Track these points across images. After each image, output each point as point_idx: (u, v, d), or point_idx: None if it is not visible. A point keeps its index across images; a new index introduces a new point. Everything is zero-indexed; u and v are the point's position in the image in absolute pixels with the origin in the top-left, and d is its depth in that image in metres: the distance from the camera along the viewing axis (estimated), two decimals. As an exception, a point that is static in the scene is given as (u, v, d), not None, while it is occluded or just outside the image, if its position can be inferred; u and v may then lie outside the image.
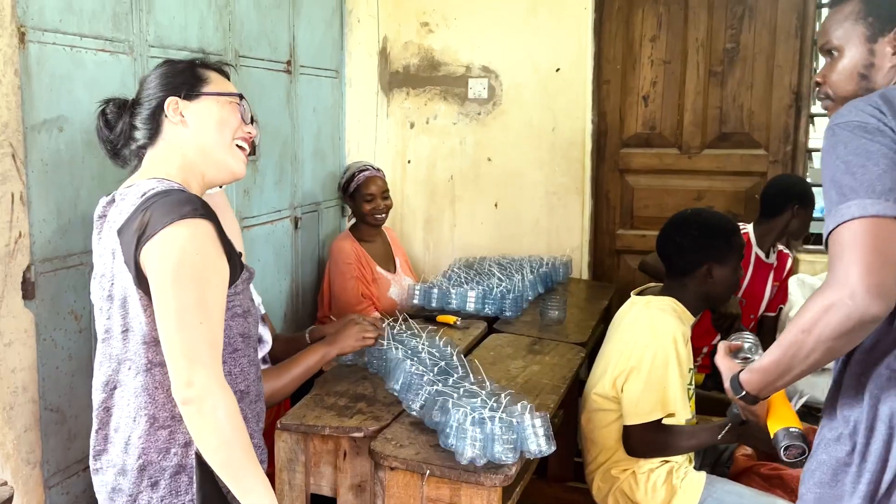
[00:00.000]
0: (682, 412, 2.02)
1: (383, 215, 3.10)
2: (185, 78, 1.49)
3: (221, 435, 1.28)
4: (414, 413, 1.85)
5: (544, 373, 2.23)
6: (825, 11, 3.34)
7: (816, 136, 3.44)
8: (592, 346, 2.75)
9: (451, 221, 3.70)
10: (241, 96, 1.53)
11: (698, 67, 3.45)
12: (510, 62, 3.52)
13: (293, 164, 3.10)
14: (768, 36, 3.36)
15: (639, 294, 2.24)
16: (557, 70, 3.47)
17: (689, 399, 2.09)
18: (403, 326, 2.35)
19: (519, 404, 1.72)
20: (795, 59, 3.33)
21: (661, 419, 2.02)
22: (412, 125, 3.66)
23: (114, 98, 1.55)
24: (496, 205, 3.62)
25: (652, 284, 2.36)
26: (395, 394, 1.96)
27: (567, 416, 2.67)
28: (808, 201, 2.89)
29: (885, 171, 1.17)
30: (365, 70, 3.65)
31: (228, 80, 1.57)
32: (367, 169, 3.13)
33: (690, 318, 2.15)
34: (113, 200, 1.44)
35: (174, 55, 2.31)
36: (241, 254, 1.49)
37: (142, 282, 1.32)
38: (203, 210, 1.34)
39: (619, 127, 3.59)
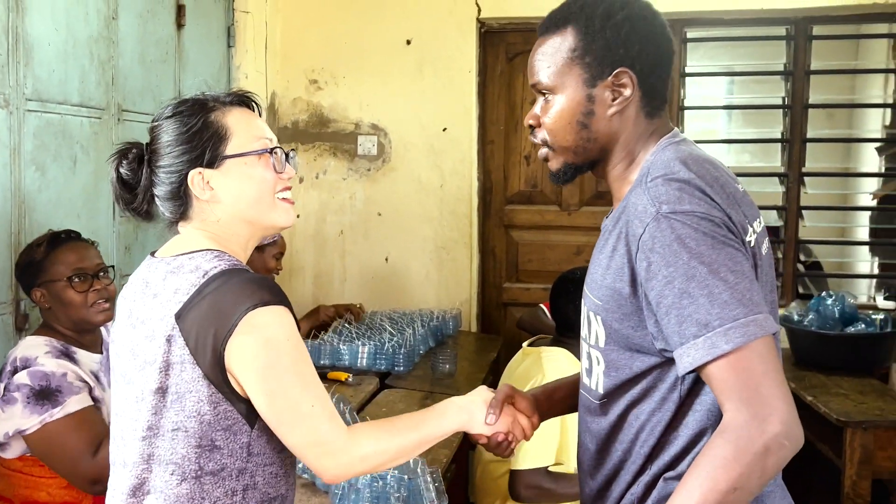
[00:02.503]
0: (573, 460, 2.09)
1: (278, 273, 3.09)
2: (202, 137, 1.26)
3: (389, 457, 1.24)
4: (305, 476, 1.82)
5: (436, 427, 2.25)
6: (689, 80, 3.65)
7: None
8: (482, 399, 2.80)
9: (341, 276, 3.70)
10: (273, 141, 1.33)
11: (576, 129, 3.65)
12: (399, 121, 3.61)
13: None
14: (638, 101, 3.60)
15: (530, 345, 2.31)
16: (444, 129, 3.58)
17: None
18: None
19: (411, 460, 1.74)
20: (663, 124, 3.59)
21: (549, 466, 2.08)
22: (301, 180, 3.67)
23: (126, 149, 1.32)
24: (387, 259, 3.66)
25: (541, 336, 2.44)
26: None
27: (458, 469, 2.69)
28: None
29: (753, 279, 1.04)
30: (253, 125, 3.63)
31: (253, 110, 1.35)
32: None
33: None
34: (157, 264, 1.26)
35: (54, 109, 2.24)
36: None
37: (217, 375, 1.18)
38: (280, 295, 1.20)
39: (503, 184, 3.73)
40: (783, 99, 3.57)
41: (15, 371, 1.78)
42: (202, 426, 1.19)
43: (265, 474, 1.24)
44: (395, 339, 2.87)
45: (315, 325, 2.94)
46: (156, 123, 1.31)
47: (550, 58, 1.20)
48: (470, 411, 1.35)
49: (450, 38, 3.56)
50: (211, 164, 1.26)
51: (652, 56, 1.18)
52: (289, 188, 1.32)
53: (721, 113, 4.16)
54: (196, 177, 1.25)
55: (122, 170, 1.30)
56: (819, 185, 3.68)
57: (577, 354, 2.20)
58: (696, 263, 1.02)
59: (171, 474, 1.20)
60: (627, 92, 1.17)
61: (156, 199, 1.30)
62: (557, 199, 3.69)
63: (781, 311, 3.22)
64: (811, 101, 3.52)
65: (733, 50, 3.87)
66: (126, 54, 2.61)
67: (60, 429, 1.74)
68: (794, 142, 3.52)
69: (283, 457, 1.27)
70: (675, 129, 1.24)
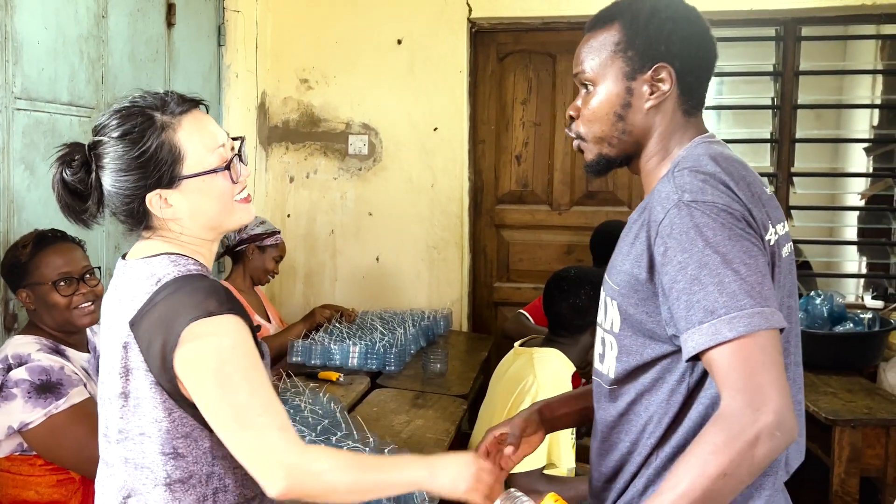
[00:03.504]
0: (565, 461, 2.09)
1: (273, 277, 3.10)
2: (157, 163, 1.22)
3: (343, 487, 1.15)
4: (297, 474, 1.82)
5: (428, 427, 2.26)
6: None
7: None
8: (473, 398, 2.81)
9: (332, 275, 3.70)
10: (226, 146, 1.28)
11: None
12: (390, 120, 3.60)
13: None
14: (629, 101, 3.61)
15: (522, 345, 2.31)
16: (435, 129, 3.58)
17: (572, 447, 2.17)
18: (287, 384, 2.31)
19: (403, 460, 1.74)
20: (653, 124, 3.60)
21: (543, 468, 2.08)
22: (291, 179, 3.66)
23: (68, 153, 1.25)
24: (378, 258, 3.66)
25: (533, 337, 2.44)
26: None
27: (450, 469, 2.69)
28: None
29: (766, 274, 1.06)
30: (243, 124, 3.62)
31: (206, 111, 1.31)
32: (279, 232, 3.10)
33: (572, 368, 2.24)
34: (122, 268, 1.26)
35: (43, 107, 2.23)
36: (258, 326, 1.33)
37: (168, 383, 1.18)
38: (229, 304, 1.19)
39: (494, 184, 3.73)
40: (772, 99, 3.59)
41: (9, 368, 1.78)
42: (161, 433, 1.20)
43: (236, 476, 1.23)
44: (387, 338, 2.86)
45: (312, 326, 2.94)
46: (101, 139, 1.24)
47: (596, 51, 1.24)
48: (432, 469, 1.21)
49: (441, 37, 3.56)
50: (168, 185, 1.23)
51: (692, 56, 1.21)
52: (244, 186, 1.31)
53: (711, 113, 4.17)
54: (155, 199, 1.24)
55: (67, 178, 1.25)
56: (808, 185, 3.70)
57: (570, 354, 2.22)
58: (711, 252, 1.04)
59: (146, 478, 1.22)
60: (665, 87, 1.21)
61: (108, 210, 1.27)
62: (548, 198, 3.70)
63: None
64: (800, 101, 3.55)
65: (723, 50, 3.87)
66: (116, 53, 2.60)
67: (66, 420, 1.75)
68: (783, 142, 3.54)
69: None
70: (712, 132, 1.28)
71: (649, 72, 1.20)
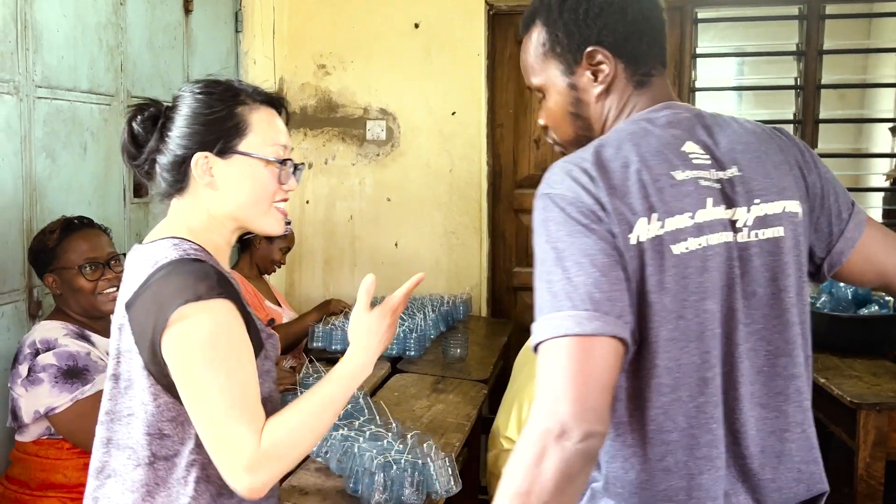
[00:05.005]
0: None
1: (280, 267, 3.11)
2: (222, 126, 1.25)
3: (305, 447, 1.20)
4: (319, 459, 1.83)
5: (448, 411, 2.26)
6: (700, 61, 3.61)
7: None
8: (494, 383, 2.81)
9: (351, 261, 3.70)
10: (286, 150, 1.31)
11: (586, 112, 3.62)
12: (407, 105, 3.59)
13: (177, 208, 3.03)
14: (649, 83, 3.57)
15: None
16: (453, 113, 3.56)
17: None
18: (309, 369, 2.33)
19: (425, 445, 1.74)
20: (674, 106, 3.56)
21: None
22: (310, 166, 3.66)
23: (145, 105, 1.31)
24: (396, 244, 3.66)
25: None
26: (300, 439, 1.93)
27: (471, 453, 2.70)
28: None
29: (603, 275, 0.97)
30: (262, 111, 3.62)
31: (281, 114, 1.34)
32: (290, 223, 3.11)
33: None
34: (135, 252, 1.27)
35: (63, 95, 2.24)
36: (272, 319, 1.35)
37: (156, 367, 1.18)
38: (220, 288, 1.18)
39: (512, 168, 3.71)
40: (795, 79, 3.53)
41: (36, 353, 1.80)
42: (148, 415, 1.21)
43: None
44: (406, 323, 2.87)
45: (322, 315, 2.95)
46: (182, 93, 1.30)
47: (532, 57, 1.18)
48: (354, 362, 1.30)
49: (458, 21, 3.53)
50: (220, 153, 1.26)
51: (619, 24, 1.13)
52: (286, 199, 1.32)
53: (731, 94, 4.13)
54: (201, 159, 1.25)
55: (134, 124, 1.30)
56: (831, 166, 3.61)
57: None
58: (549, 248, 1.00)
59: (128, 458, 1.22)
60: (606, 68, 1.13)
61: (156, 164, 1.29)
62: (567, 182, 3.67)
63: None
64: (823, 81, 3.49)
65: (744, 30, 3.84)
66: (134, 40, 2.60)
67: (92, 405, 1.77)
68: (806, 123, 3.49)
69: None
70: (667, 102, 1.14)
71: (583, 60, 1.13)
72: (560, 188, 1.03)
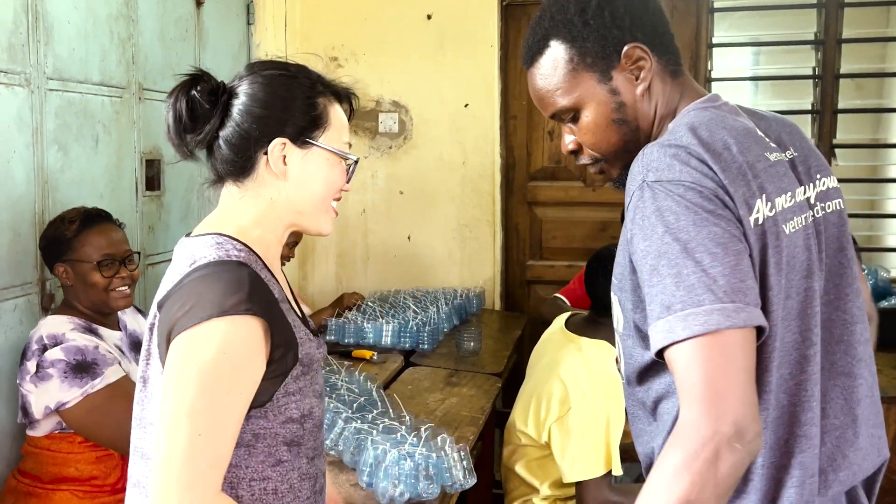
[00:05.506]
0: (616, 470, 2.03)
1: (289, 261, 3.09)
2: (305, 115, 1.19)
3: None
4: (332, 453, 1.81)
5: (462, 405, 2.24)
6: (717, 51, 3.56)
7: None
8: (507, 376, 2.79)
9: (363, 255, 3.69)
10: (350, 145, 1.28)
11: (600, 103, 3.59)
12: (420, 97, 3.56)
13: (199, 198, 3.02)
14: (664, 74, 3.53)
15: (567, 327, 2.21)
16: (466, 105, 3.53)
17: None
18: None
19: (439, 438, 1.72)
20: (689, 96, 3.51)
21: (608, 473, 2.01)
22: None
23: (199, 76, 1.20)
24: (409, 237, 3.64)
25: (576, 313, 2.37)
26: (313, 432, 1.92)
27: (484, 447, 2.68)
28: None
29: (739, 263, 0.94)
30: (273, 104, 3.61)
31: (352, 113, 1.30)
32: None
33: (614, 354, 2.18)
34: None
35: (75, 87, 2.23)
36: (320, 330, 1.25)
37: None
38: (250, 302, 1.07)
39: (526, 161, 3.68)
40: (813, 69, 3.48)
41: (44, 349, 1.79)
42: None
43: (253, 489, 1.14)
44: (419, 317, 2.85)
45: (335, 311, 2.95)
46: (253, 72, 1.22)
47: (555, 79, 1.13)
48: None
49: (471, 12, 3.50)
50: (299, 143, 1.19)
51: (645, 17, 1.13)
52: (339, 199, 1.27)
53: (748, 84, 4.07)
54: (278, 146, 1.18)
55: (195, 93, 1.18)
56: (850, 157, 3.60)
57: (613, 339, 2.15)
58: (671, 240, 0.94)
59: (150, 470, 1.10)
60: (646, 63, 1.12)
61: (218, 141, 1.20)
62: (582, 174, 3.63)
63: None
64: (842, 70, 3.43)
65: (761, 20, 3.77)
66: (146, 33, 2.59)
67: (103, 399, 1.76)
68: (824, 113, 3.44)
69: (285, 470, 1.17)
70: (714, 93, 1.16)
71: (621, 60, 1.11)
72: (673, 174, 0.98)
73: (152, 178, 2.64)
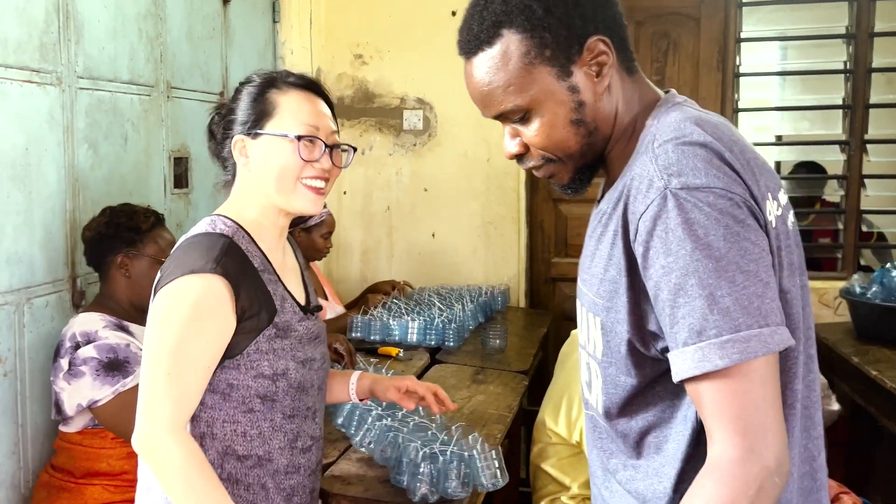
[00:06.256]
0: None
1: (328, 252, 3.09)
2: (253, 110, 1.37)
3: (173, 486, 1.24)
4: (362, 449, 1.81)
5: (489, 402, 2.23)
6: (745, 45, 3.52)
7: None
8: (533, 374, 2.77)
9: (388, 252, 3.69)
10: (320, 131, 1.36)
11: (626, 99, 3.55)
12: (444, 94, 3.55)
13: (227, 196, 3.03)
14: (691, 69, 3.49)
15: None
16: (491, 101, 3.51)
17: None
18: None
19: (470, 437, 1.71)
20: (718, 91, 3.48)
21: None
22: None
23: (219, 105, 1.48)
24: (433, 235, 3.63)
25: None
26: (342, 429, 1.92)
27: (511, 445, 2.67)
28: None
29: (770, 280, 0.88)
30: (298, 101, 3.62)
31: (318, 94, 1.40)
32: (326, 206, 3.09)
33: None
34: None
35: (104, 86, 2.25)
36: (318, 307, 1.45)
37: None
38: (215, 265, 1.26)
39: (551, 157, 3.65)
40: (845, 63, 3.42)
41: (77, 346, 1.81)
42: None
43: (225, 429, 1.32)
44: (445, 314, 2.84)
45: (361, 309, 2.94)
46: (236, 88, 1.44)
47: (504, 76, 0.99)
48: None
49: (496, 8, 3.48)
50: (251, 135, 1.36)
51: (606, 8, 1.01)
52: (321, 178, 1.36)
53: (775, 79, 4.02)
54: (238, 142, 1.37)
55: (212, 124, 1.46)
56: (882, 152, 3.53)
57: None
58: (701, 256, 0.85)
59: None
60: (607, 59, 1.00)
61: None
62: (608, 171, 3.61)
63: (843, 284, 3.11)
64: (874, 64, 3.37)
65: (790, 13, 3.72)
66: (174, 31, 2.61)
67: (134, 397, 1.78)
68: (856, 108, 3.38)
69: (256, 418, 1.32)
70: (672, 90, 1.08)
71: (583, 53, 0.98)
72: (699, 178, 0.87)
73: (180, 175, 2.66)
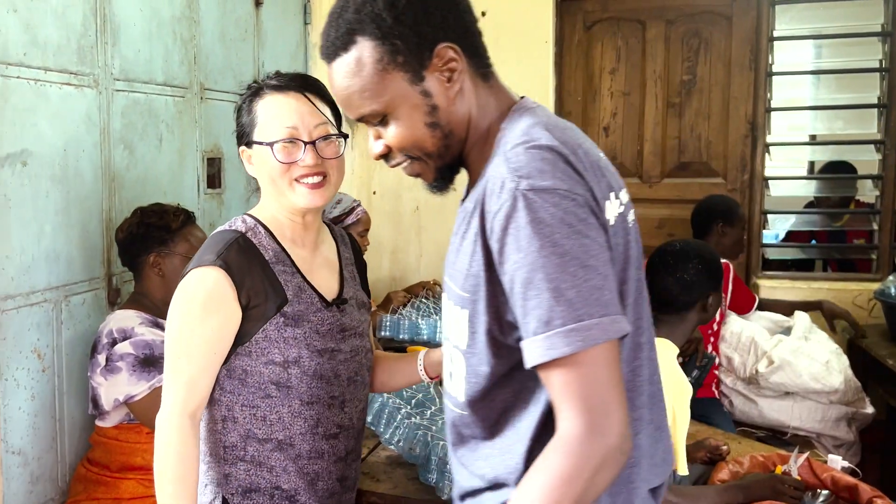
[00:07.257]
0: (682, 470, 1.99)
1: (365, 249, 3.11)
2: (243, 123, 1.44)
3: (160, 463, 1.31)
4: (391, 447, 1.83)
5: (518, 402, 2.23)
6: (777, 44, 3.48)
7: (772, 164, 3.54)
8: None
9: (417, 252, 3.71)
10: (299, 129, 1.38)
11: (657, 99, 3.54)
12: (473, 94, 3.55)
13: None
14: (723, 68, 3.46)
15: None
16: (520, 102, 3.52)
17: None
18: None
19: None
20: (750, 91, 3.44)
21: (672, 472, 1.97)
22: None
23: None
24: (462, 235, 3.63)
25: None
26: (371, 427, 1.94)
27: (539, 446, 2.67)
28: (732, 218, 3.03)
29: (609, 273, 0.95)
30: (329, 102, 3.65)
31: (299, 90, 1.40)
32: (361, 205, 3.12)
33: (676, 350, 2.15)
34: None
35: (140, 88, 2.29)
36: (339, 300, 1.46)
37: None
38: (217, 258, 1.35)
39: (581, 157, 3.64)
40: (880, 62, 3.37)
41: (114, 343, 1.85)
42: None
43: (245, 413, 1.38)
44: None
45: (386, 312, 2.95)
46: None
47: (359, 81, 1.05)
48: None
49: (526, 8, 3.48)
50: (247, 146, 1.43)
51: (456, 16, 1.06)
52: (311, 174, 1.38)
53: (808, 78, 3.97)
54: (242, 153, 1.46)
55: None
56: (919, 152, 3.46)
57: (676, 332, 2.11)
58: (548, 253, 0.92)
59: None
60: (458, 65, 1.06)
61: None
62: (638, 171, 3.59)
63: (877, 286, 3.06)
64: (910, 62, 3.31)
65: (824, 11, 3.66)
66: (207, 33, 2.65)
67: None
68: (891, 107, 3.32)
69: (274, 403, 1.38)
70: (525, 96, 1.13)
71: (433, 60, 1.04)
72: (546, 180, 0.95)
73: (213, 175, 2.70)
